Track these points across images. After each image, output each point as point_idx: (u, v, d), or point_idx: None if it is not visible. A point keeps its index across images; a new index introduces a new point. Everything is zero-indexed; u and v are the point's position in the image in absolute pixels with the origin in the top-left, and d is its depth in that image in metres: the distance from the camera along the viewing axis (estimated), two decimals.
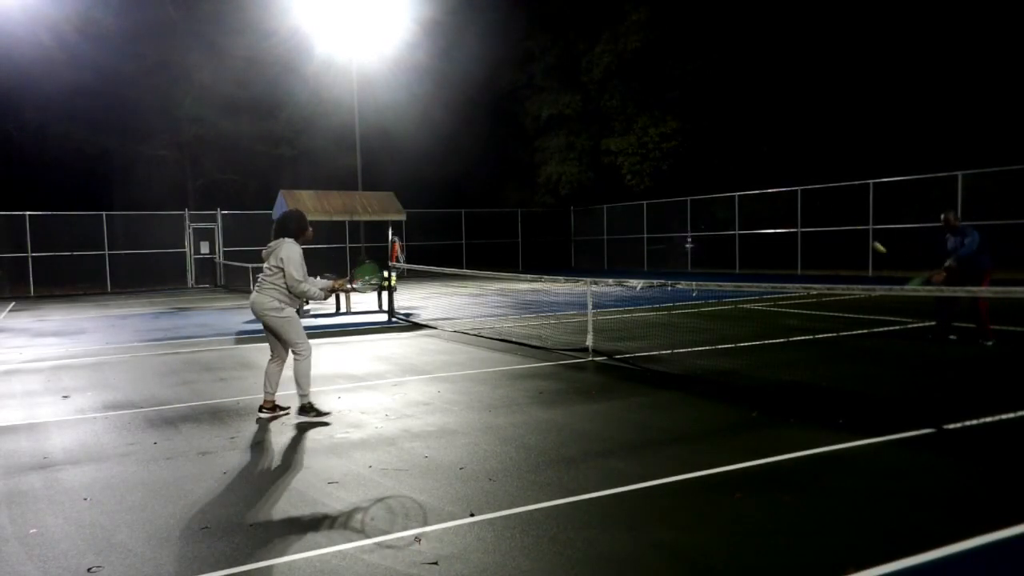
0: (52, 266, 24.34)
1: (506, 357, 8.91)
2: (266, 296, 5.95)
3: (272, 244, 6.05)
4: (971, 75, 22.90)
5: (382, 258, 15.61)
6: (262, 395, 6.26)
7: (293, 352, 6.05)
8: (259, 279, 6.09)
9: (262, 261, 6.18)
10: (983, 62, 22.67)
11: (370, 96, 28.53)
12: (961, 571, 3.16)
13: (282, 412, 6.18)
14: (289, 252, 5.92)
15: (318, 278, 6.45)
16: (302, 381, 6.01)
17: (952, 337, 9.27)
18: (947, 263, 8.92)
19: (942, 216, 9.25)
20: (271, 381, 6.16)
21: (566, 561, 3.31)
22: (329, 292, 6.24)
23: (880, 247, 9.57)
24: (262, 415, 6.13)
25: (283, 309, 5.96)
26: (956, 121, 23.02)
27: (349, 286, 6.65)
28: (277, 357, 6.21)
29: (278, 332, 6.02)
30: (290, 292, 5.97)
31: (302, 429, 5.78)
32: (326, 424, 5.87)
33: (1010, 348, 8.78)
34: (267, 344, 6.31)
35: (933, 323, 9.80)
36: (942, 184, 19.35)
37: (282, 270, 5.90)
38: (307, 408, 6.06)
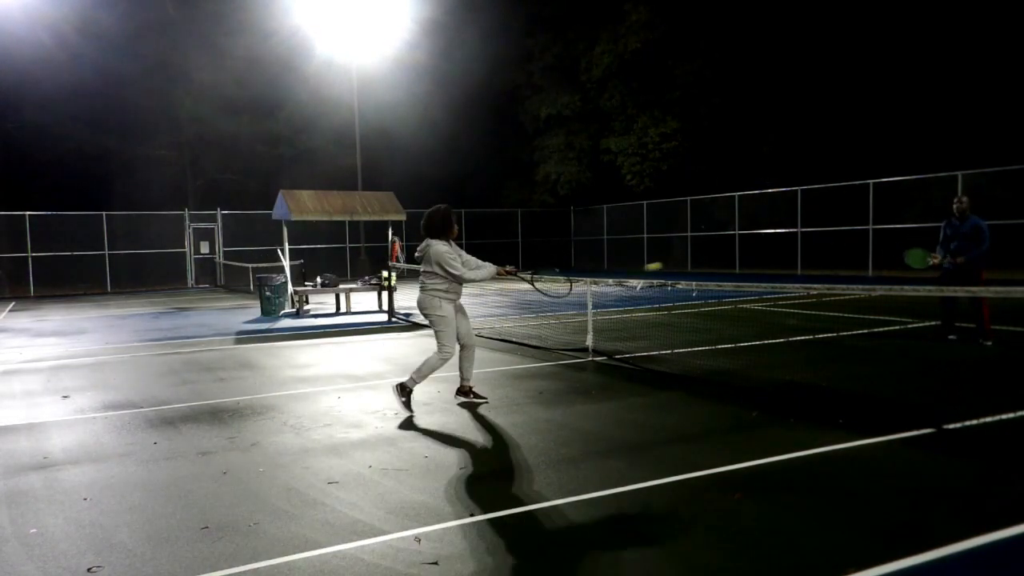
0: (52, 266, 24.35)
1: (506, 357, 8.91)
2: (427, 296, 6.24)
3: (421, 247, 6.27)
4: (971, 75, 22.90)
5: (382, 258, 15.60)
6: (272, 395, 6.30)
7: (438, 346, 6.22)
8: (421, 282, 6.32)
9: (416, 260, 6.42)
10: (983, 62, 22.66)
11: (370, 96, 28.53)
12: (961, 571, 3.16)
13: (479, 400, 6.45)
14: (439, 254, 6.10)
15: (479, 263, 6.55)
16: (423, 369, 6.20)
17: (952, 336, 9.27)
18: (959, 259, 8.88)
19: (955, 201, 9.15)
20: (463, 368, 6.51)
21: (566, 561, 3.30)
22: (504, 271, 6.50)
23: (653, 267, 9.61)
24: (458, 399, 6.52)
25: (441, 307, 6.19)
26: (956, 121, 23.02)
27: (511, 268, 6.70)
28: (464, 347, 6.47)
29: (434, 328, 6.27)
30: (455, 285, 6.22)
31: (301, 430, 5.78)
32: (410, 413, 6.07)
33: (1010, 348, 8.78)
34: (264, 345, 6.35)
35: (934, 323, 9.80)
36: (942, 184, 19.35)
37: (435, 272, 6.14)
38: (405, 390, 6.21)
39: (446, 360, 6.23)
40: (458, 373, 6.57)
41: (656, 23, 28.71)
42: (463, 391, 6.55)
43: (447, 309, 6.21)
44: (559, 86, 32.91)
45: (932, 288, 7.19)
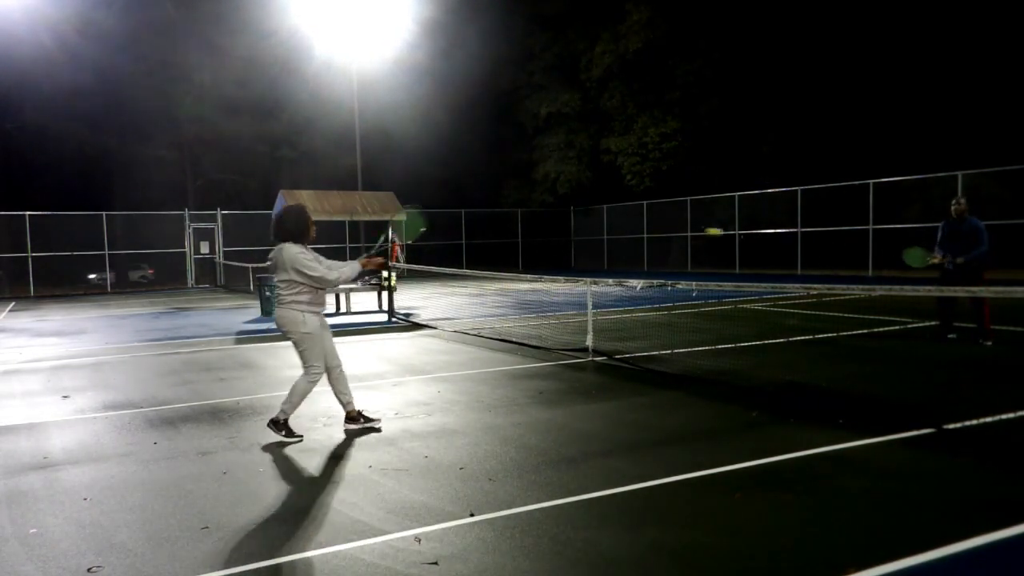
0: (52, 266, 24.35)
1: (506, 357, 8.91)
2: (286, 310, 5.41)
3: (272, 253, 5.48)
4: (971, 75, 22.90)
5: (383, 258, 15.60)
6: (272, 395, 6.22)
7: (304, 369, 5.52)
8: (278, 293, 5.51)
9: (269, 269, 5.65)
10: (983, 62, 22.66)
11: (370, 96, 28.55)
12: (961, 571, 3.16)
13: (368, 423, 5.68)
14: (293, 258, 5.32)
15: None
16: (293, 397, 5.44)
17: (951, 336, 9.27)
18: (959, 260, 8.88)
19: (953, 202, 9.14)
20: (340, 391, 5.67)
21: (566, 561, 3.30)
22: (365, 272, 5.81)
23: (714, 231, 9.52)
24: (349, 427, 5.66)
25: (306, 323, 5.40)
26: (956, 121, 23.02)
27: (375, 257, 5.97)
28: (332, 366, 5.65)
29: (297, 349, 5.51)
30: (320, 291, 5.49)
31: (301, 430, 5.77)
32: (296, 441, 5.39)
33: (1010, 348, 8.78)
34: (264, 345, 6.25)
35: (934, 323, 9.80)
36: (942, 184, 19.35)
37: (292, 280, 5.37)
38: (280, 424, 5.41)
39: (315, 382, 5.49)
40: (338, 398, 5.71)
41: (657, 23, 28.73)
42: (351, 417, 5.69)
43: (312, 324, 5.41)
44: (559, 85, 32.94)
45: (932, 288, 7.20)
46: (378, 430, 5.64)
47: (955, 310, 9.39)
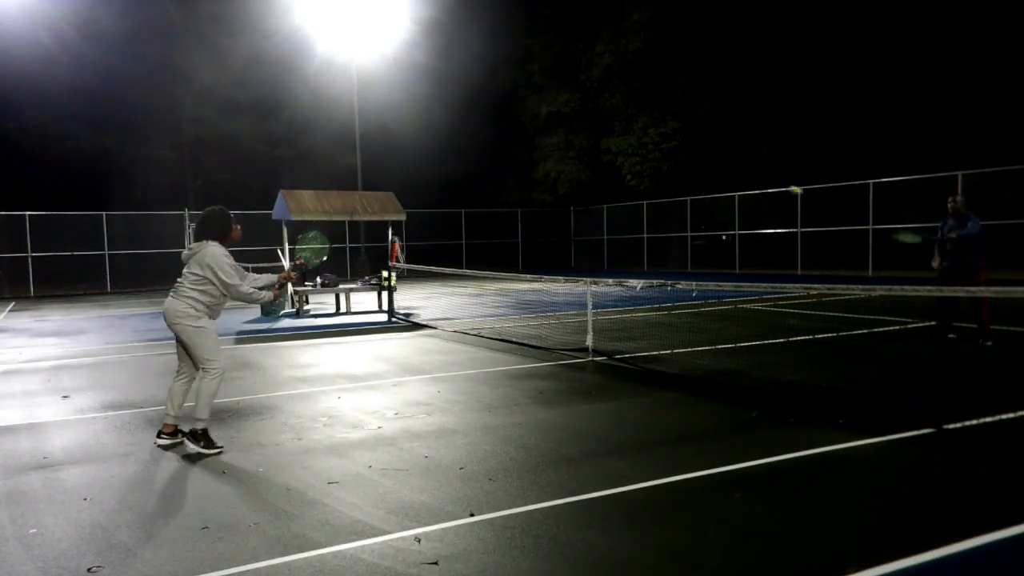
0: (52, 266, 24.34)
1: (506, 357, 8.91)
2: (181, 302, 5.20)
3: (193, 247, 5.34)
4: (971, 75, 22.90)
5: (382, 258, 15.60)
6: (273, 395, 6.21)
7: (202, 368, 5.26)
8: (176, 285, 5.34)
9: (183, 265, 5.42)
10: (983, 62, 22.67)
11: (370, 96, 28.53)
12: (961, 571, 3.16)
13: (176, 441, 5.36)
14: (215, 257, 5.19)
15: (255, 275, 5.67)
16: (202, 402, 5.16)
17: (951, 336, 9.27)
18: (950, 234, 9.00)
19: (950, 200, 9.27)
20: (174, 401, 5.35)
21: (566, 561, 3.31)
22: (279, 288, 5.59)
23: (796, 189, 9.67)
24: (160, 442, 5.33)
25: (199, 318, 5.21)
26: (956, 121, 23.02)
27: (293, 272, 5.88)
28: (184, 374, 5.43)
29: (189, 344, 5.23)
30: (222, 300, 5.33)
31: (301, 430, 5.77)
32: (219, 453, 5.09)
33: (1010, 348, 8.78)
34: (264, 345, 6.17)
35: (934, 323, 9.80)
36: (942, 184, 19.34)
37: (206, 278, 5.21)
38: (198, 435, 5.13)
39: (220, 375, 5.24)
40: (170, 405, 5.36)
41: (657, 23, 28.73)
42: (169, 431, 5.36)
43: (205, 322, 5.25)
44: (559, 85, 32.94)
45: (932, 288, 7.20)
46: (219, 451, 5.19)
47: (955, 310, 9.40)
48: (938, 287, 8.11)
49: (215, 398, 5.29)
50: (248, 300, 5.44)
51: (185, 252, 5.40)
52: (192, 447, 5.13)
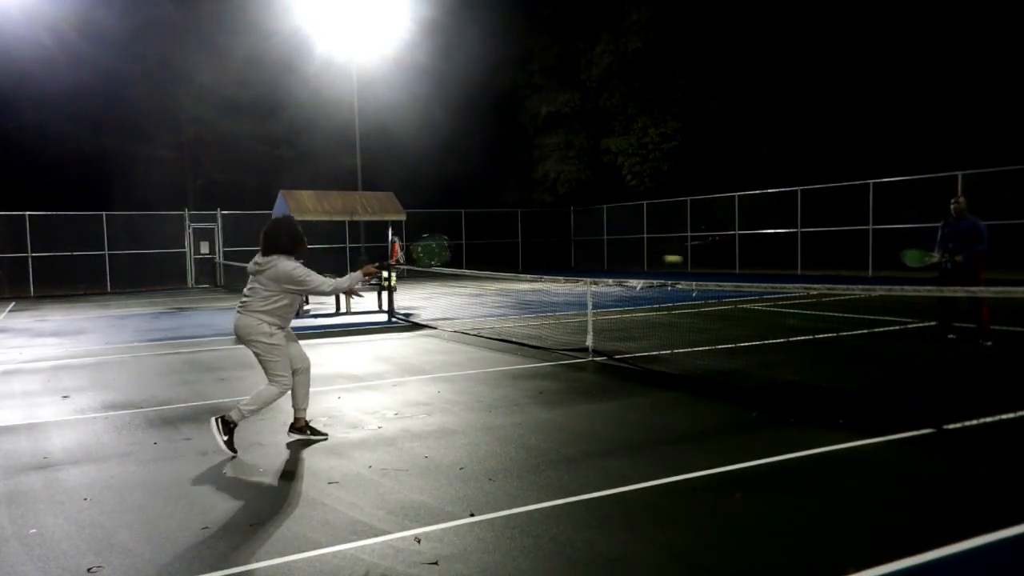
0: (52, 266, 24.34)
1: (506, 357, 8.91)
2: (253, 318, 5.14)
3: (262, 261, 5.19)
4: (971, 75, 22.90)
5: (382, 258, 15.60)
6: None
7: (271, 379, 5.23)
8: (243, 299, 5.25)
9: (248, 270, 5.35)
10: (983, 62, 22.67)
11: (370, 96, 28.54)
12: (961, 571, 3.16)
13: (317, 438, 5.45)
14: (288, 274, 5.11)
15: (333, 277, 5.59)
16: (256, 402, 5.17)
17: (951, 336, 9.27)
18: (957, 258, 8.90)
19: (953, 202, 9.19)
20: (297, 396, 5.41)
21: (566, 561, 3.30)
22: (362, 280, 5.49)
23: (673, 258, 9.61)
24: (292, 437, 5.44)
25: (273, 335, 5.17)
26: (956, 121, 23.02)
27: (377, 265, 5.82)
28: (297, 368, 5.41)
29: (263, 359, 5.21)
30: (294, 309, 5.32)
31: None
32: (231, 457, 5.05)
33: (1010, 348, 8.78)
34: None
35: (934, 323, 9.80)
36: (942, 184, 19.35)
37: (281, 292, 5.16)
38: (229, 424, 5.12)
39: (285, 391, 5.25)
40: (295, 404, 5.47)
41: (657, 23, 28.74)
42: (298, 427, 5.47)
43: (279, 337, 5.21)
44: (559, 85, 32.95)
45: (932, 288, 7.19)
46: (324, 437, 5.46)
47: (955, 310, 9.39)
48: (938, 287, 8.11)
49: (267, 405, 5.24)
50: (330, 295, 5.49)
51: (252, 265, 5.28)
52: (214, 433, 5.06)
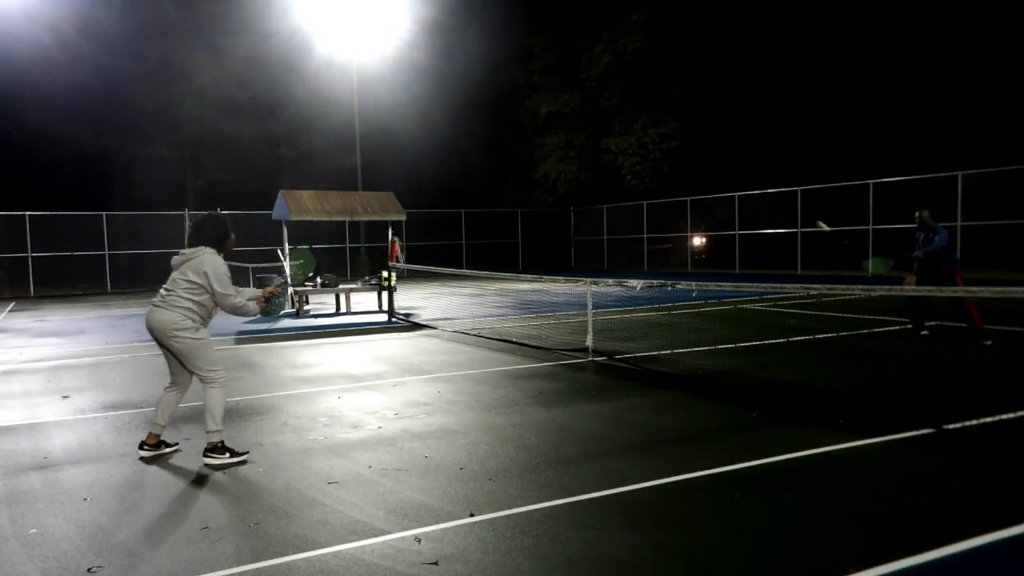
0: (52, 266, 24.33)
1: (506, 357, 8.91)
2: (175, 314, 4.90)
3: (187, 252, 5.05)
4: (971, 75, 22.90)
5: (382, 258, 15.60)
6: (273, 395, 6.18)
7: (204, 380, 5.01)
8: (163, 293, 5.02)
9: (172, 264, 5.13)
10: (983, 62, 22.67)
11: (370, 96, 28.54)
12: (961, 571, 3.16)
13: (168, 449, 5.18)
14: (214, 266, 4.97)
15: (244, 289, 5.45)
16: (215, 414, 4.93)
17: (924, 333, 9.55)
18: (915, 253, 9.39)
19: (917, 214, 9.62)
20: (164, 412, 5.14)
21: (566, 561, 3.30)
22: (264, 301, 5.39)
23: (823, 226, 10.09)
24: (143, 453, 5.07)
25: (198, 329, 4.97)
26: (956, 121, 23.02)
27: (277, 288, 5.72)
28: (178, 385, 5.21)
29: (187, 358, 4.98)
30: (215, 309, 5.10)
31: (301, 430, 5.77)
32: (244, 463, 4.89)
33: (1010, 348, 8.78)
34: (264, 345, 6.07)
35: (936, 323, 9.89)
36: (942, 184, 19.35)
37: (202, 286, 4.95)
38: (218, 448, 4.88)
39: (224, 384, 5.07)
40: (159, 415, 5.15)
41: (657, 23, 28.73)
42: (152, 443, 5.12)
43: (204, 332, 5.04)
44: (559, 85, 32.94)
45: (932, 288, 7.20)
46: (176, 447, 5.23)
47: (926, 310, 9.72)
48: (938, 288, 8.13)
49: (223, 407, 5.04)
50: (237, 312, 5.20)
51: (177, 257, 5.08)
52: (215, 462, 4.83)
